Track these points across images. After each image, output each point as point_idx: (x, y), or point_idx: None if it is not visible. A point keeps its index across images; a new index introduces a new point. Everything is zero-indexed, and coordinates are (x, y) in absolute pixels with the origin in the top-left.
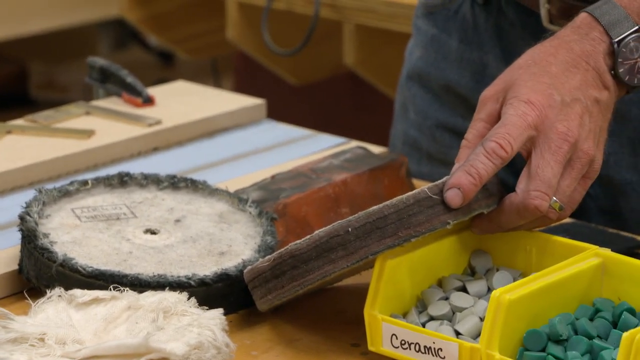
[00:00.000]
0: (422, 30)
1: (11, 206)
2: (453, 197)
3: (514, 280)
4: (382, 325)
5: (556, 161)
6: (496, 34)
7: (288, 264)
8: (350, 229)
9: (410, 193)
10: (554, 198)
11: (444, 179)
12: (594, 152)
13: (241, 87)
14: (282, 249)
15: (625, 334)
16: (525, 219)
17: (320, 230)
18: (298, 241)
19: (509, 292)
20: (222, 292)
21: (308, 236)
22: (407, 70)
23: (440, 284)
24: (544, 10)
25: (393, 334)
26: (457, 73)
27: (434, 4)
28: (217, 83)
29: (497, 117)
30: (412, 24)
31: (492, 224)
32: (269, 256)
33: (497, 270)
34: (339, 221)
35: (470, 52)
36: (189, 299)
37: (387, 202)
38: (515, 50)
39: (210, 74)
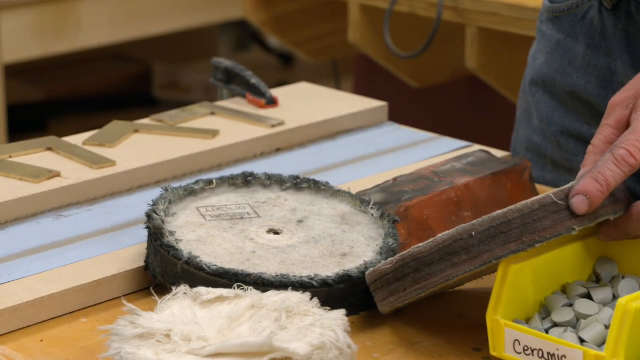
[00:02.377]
0: (546, 35)
1: (138, 204)
2: (579, 203)
3: None
4: (504, 330)
5: None
6: (625, 40)
7: (411, 266)
8: (474, 233)
9: (535, 198)
10: None
11: (570, 184)
12: None
13: (361, 90)
14: (405, 252)
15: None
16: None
17: (444, 233)
18: (421, 244)
19: (635, 300)
20: (344, 294)
21: (431, 239)
22: (531, 75)
23: (564, 290)
24: None
25: (516, 340)
26: (584, 79)
27: (560, 9)
28: (337, 85)
29: (625, 124)
30: (536, 28)
31: (619, 231)
32: (392, 258)
33: (623, 277)
34: (463, 225)
35: (597, 58)
36: (311, 299)
37: (512, 207)
38: None
39: (330, 76)
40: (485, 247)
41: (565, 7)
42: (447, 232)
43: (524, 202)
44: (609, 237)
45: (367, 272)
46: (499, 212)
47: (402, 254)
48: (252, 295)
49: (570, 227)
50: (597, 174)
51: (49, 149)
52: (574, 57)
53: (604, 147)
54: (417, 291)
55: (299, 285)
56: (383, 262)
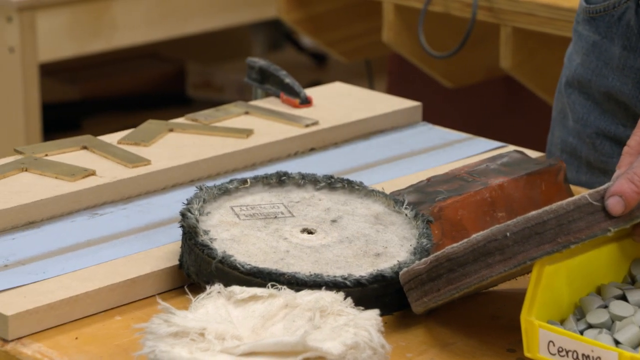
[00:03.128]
0: (583, 36)
1: (172, 203)
2: (614, 204)
3: None
4: (539, 331)
5: None
6: None
7: (445, 267)
8: (508, 234)
9: (570, 199)
10: None
11: (606, 185)
12: None
13: (394, 89)
14: (439, 252)
15: None
16: None
17: (478, 234)
18: (455, 244)
19: None
20: (378, 293)
21: (465, 240)
22: (567, 76)
23: (599, 291)
24: None
25: (550, 341)
26: (620, 80)
27: (597, 9)
28: (370, 85)
29: None
30: (572, 29)
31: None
32: (425, 259)
33: None
34: (497, 225)
35: (634, 60)
36: (345, 299)
37: (547, 208)
38: None
39: (364, 75)
40: (519, 247)
41: (601, 7)
42: (481, 232)
43: (559, 202)
44: None
45: (400, 272)
46: (533, 212)
47: (436, 254)
48: (285, 294)
49: (606, 228)
50: (633, 175)
51: (84, 147)
52: (610, 58)
53: (639, 147)
54: (451, 291)
55: (333, 285)
56: (417, 262)
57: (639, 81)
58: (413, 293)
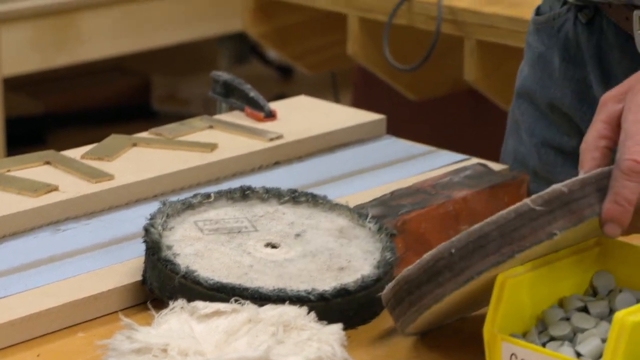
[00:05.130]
0: (531, 47)
1: (136, 218)
2: (611, 230)
3: (638, 302)
4: (501, 344)
5: None
6: (597, 55)
7: (405, 290)
8: (453, 250)
9: (511, 207)
10: None
11: (549, 189)
12: None
13: (359, 102)
14: (399, 276)
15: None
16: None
17: (428, 253)
18: (410, 266)
19: (632, 314)
20: (341, 308)
21: (418, 260)
22: (517, 87)
23: (561, 304)
24: (637, 36)
25: (513, 354)
26: (560, 91)
27: (541, 20)
28: (335, 98)
29: (617, 119)
30: (525, 40)
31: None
32: (390, 283)
33: (620, 291)
34: (443, 243)
35: (573, 71)
36: (308, 313)
37: (488, 219)
38: (615, 73)
39: (329, 88)
40: (465, 263)
41: (544, 19)
42: (430, 251)
43: (500, 212)
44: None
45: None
46: (476, 226)
47: (397, 277)
48: (249, 309)
49: (551, 232)
50: (615, 196)
51: (48, 162)
52: (553, 69)
53: (596, 142)
54: (415, 314)
55: (296, 299)
56: (387, 286)
57: (578, 92)
58: (392, 316)
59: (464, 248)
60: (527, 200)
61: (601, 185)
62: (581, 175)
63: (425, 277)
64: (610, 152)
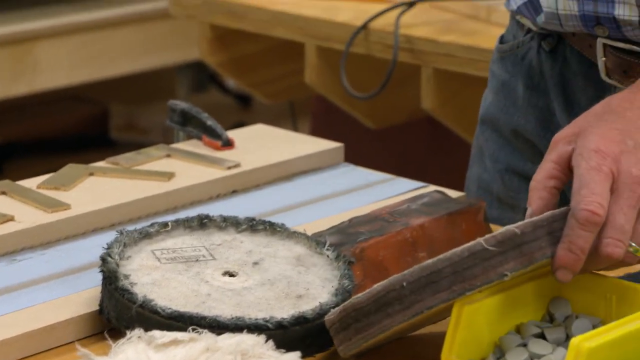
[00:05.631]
0: (495, 75)
1: (92, 247)
2: (563, 276)
3: (594, 327)
4: None
5: (629, 206)
6: (560, 83)
7: (352, 317)
8: (405, 284)
9: (465, 245)
10: (632, 243)
11: (503, 229)
12: None
13: (318, 130)
14: (347, 302)
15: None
16: (599, 265)
17: (378, 284)
18: (360, 294)
19: (588, 339)
20: (300, 335)
21: (368, 290)
22: (481, 114)
23: (518, 330)
24: (600, 63)
25: None
26: (524, 118)
27: (504, 49)
28: (294, 126)
29: (567, 160)
30: (489, 68)
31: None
32: (336, 308)
33: (577, 317)
34: (395, 275)
35: (536, 99)
36: (266, 341)
37: (441, 256)
38: (578, 100)
39: (288, 116)
40: (416, 297)
41: (508, 47)
42: (381, 282)
43: (454, 250)
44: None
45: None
46: (429, 261)
47: (344, 304)
48: (206, 338)
49: (502, 273)
50: (570, 245)
51: (3, 192)
52: (516, 97)
53: (545, 182)
54: (360, 341)
55: (254, 328)
56: (332, 310)
57: (542, 120)
58: (335, 340)
59: (416, 282)
60: (480, 240)
61: (552, 228)
62: (532, 217)
63: (374, 306)
64: (559, 193)
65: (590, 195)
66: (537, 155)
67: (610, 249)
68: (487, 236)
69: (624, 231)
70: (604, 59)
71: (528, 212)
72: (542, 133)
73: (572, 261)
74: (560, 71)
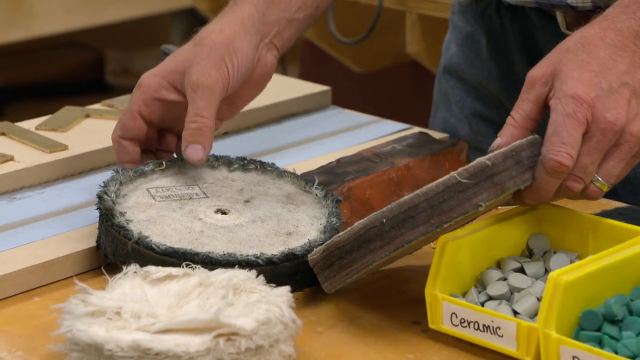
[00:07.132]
0: (457, 26)
1: (89, 186)
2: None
3: (571, 262)
4: (442, 304)
5: (597, 149)
6: (521, 36)
7: (335, 255)
8: (384, 220)
9: (439, 180)
10: (599, 178)
11: (475, 162)
12: None
13: (306, 75)
14: (329, 241)
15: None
16: (562, 197)
17: (359, 222)
18: (341, 233)
19: (566, 273)
20: (289, 271)
21: (349, 228)
22: (444, 64)
23: (499, 265)
24: (559, 17)
25: (453, 313)
26: (487, 71)
27: (465, 3)
28: (283, 70)
29: (544, 101)
30: (449, 19)
31: (531, 194)
32: (320, 247)
33: (555, 252)
34: (375, 213)
35: (497, 52)
36: (257, 277)
37: (418, 191)
38: (539, 53)
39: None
40: (396, 232)
41: (467, 2)
42: (362, 220)
43: (429, 185)
44: (525, 203)
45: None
46: (406, 197)
47: (327, 242)
48: (200, 273)
49: (477, 203)
50: (538, 188)
51: (3, 133)
52: (480, 49)
53: (524, 122)
54: (344, 277)
55: (246, 264)
56: (315, 249)
57: (502, 73)
58: (319, 277)
59: (394, 218)
60: (454, 174)
61: (520, 157)
62: (500, 147)
63: (356, 244)
64: (531, 132)
65: (560, 145)
66: (502, 105)
67: (570, 183)
68: (459, 169)
69: (587, 172)
70: (562, 14)
71: (497, 141)
72: (503, 85)
73: (538, 200)
74: (521, 24)
